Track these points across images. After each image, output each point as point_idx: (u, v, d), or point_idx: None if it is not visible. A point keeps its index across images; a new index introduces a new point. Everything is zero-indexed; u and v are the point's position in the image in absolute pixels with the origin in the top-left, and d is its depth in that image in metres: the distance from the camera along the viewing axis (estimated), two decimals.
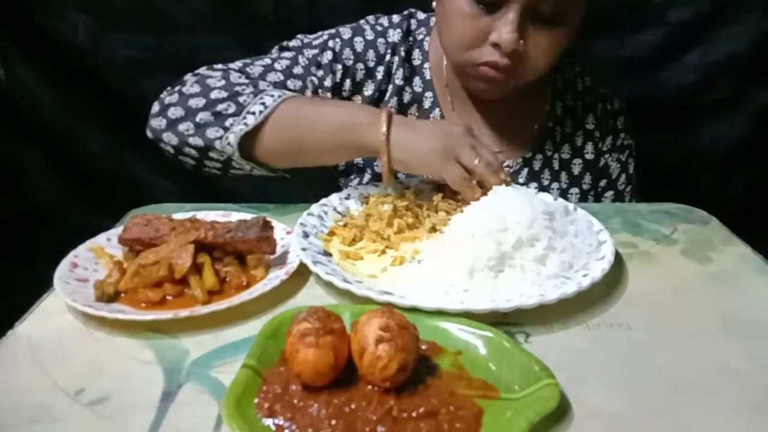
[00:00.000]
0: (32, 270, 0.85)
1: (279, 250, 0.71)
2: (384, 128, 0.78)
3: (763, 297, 0.69)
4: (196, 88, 0.87)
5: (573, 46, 0.94)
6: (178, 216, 0.74)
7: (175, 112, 0.86)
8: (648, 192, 1.09)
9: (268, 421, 0.48)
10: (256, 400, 0.49)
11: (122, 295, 0.65)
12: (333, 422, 0.47)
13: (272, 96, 0.84)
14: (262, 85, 0.89)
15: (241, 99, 0.85)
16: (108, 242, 0.74)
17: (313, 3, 1.29)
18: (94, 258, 0.71)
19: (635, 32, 1.31)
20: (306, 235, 0.75)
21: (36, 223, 1.39)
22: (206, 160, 0.87)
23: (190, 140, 0.85)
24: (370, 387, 0.50)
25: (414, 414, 0.48)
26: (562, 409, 0.50)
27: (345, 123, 0.82)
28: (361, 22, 1.02)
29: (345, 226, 0.80)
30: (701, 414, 0.52)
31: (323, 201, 0.84)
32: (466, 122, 0.84)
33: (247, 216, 0.73)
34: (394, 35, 1.00)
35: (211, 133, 0.84)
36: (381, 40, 1.00)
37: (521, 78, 0.90)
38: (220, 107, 0.84)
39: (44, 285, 0.66)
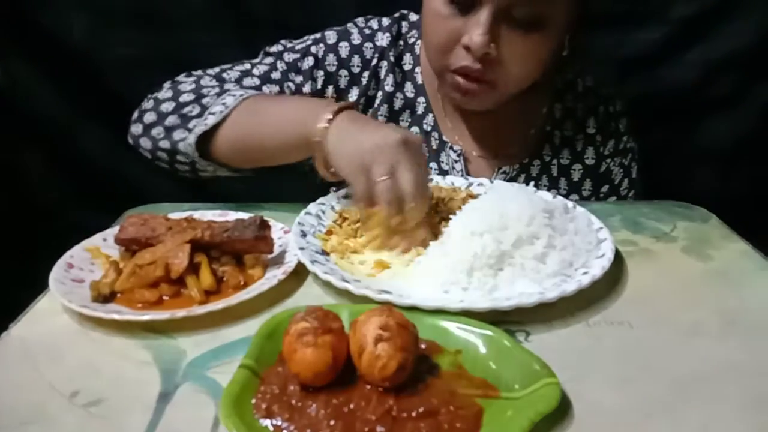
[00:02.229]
0: (28, 270, 0.84)
1: (276, 250, 0.71)
2: (324, 122, 0.75)
3: (763, 294, 0.69)
4: (169, 93, 0.89)
5: (575, 45, 0.93)
6: (174, 215, 0.73)
7: (149, 117, 0.88)
8: (649, 189, 1.08)
9: (266, 422, 0.47)
10: (253, 401, 0.49)
11: (118, 295, 0.64)
12: (332, 422, 0.47)
13: (234, 96, 0.85)
14: (228, 86, 0.90)
15: (204, 101, 0.86)
16: (104, 242, 0.73)
17: (309, 1, 1.28)
18: (90, 258, 0.70)
19: (638, 28, 1.30)
20: (304, 234, 0.74)
21: (32, 222, 1.39)
22: (176, 163, 0.88)
23: (161, 144, 0.87)
24: (369, 387, 0.50)
25: (414, 414, 0.48)
26: (563, 408, 0.50)
27: (293, 118, 0.80)
28: (349, 25, 0.99)
29: (341, 225, 0.79)
30: (703, 411, 0.51)
31: (321, 200, 0.84)
32: (416, 135, 0.78)
33: (244, 215, 0.73)
34: (383, 39, 0.97)
35: (177, 135, 0.85)
36: (368, 44, 0.97)
37: (501, 87, 0.86)
38: (185, 110, 0.86)
39: (40, 285, 0.66)
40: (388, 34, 0.98)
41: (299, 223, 0.76)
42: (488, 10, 0.79)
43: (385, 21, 1.00)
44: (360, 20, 1.00)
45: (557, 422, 0.49)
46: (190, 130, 0.84)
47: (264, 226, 0.70)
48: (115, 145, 1.36)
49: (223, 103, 0.84)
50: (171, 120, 0.86)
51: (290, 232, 0.74)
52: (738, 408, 0.52)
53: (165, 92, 0.90)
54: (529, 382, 0.51)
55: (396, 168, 0.70)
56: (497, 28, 0.80)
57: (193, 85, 0.90)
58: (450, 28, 0.82)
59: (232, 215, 0.77)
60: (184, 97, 0.88)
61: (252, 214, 0.71)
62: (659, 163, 1.31)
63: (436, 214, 0.81)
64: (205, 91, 0.88)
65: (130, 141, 0.91)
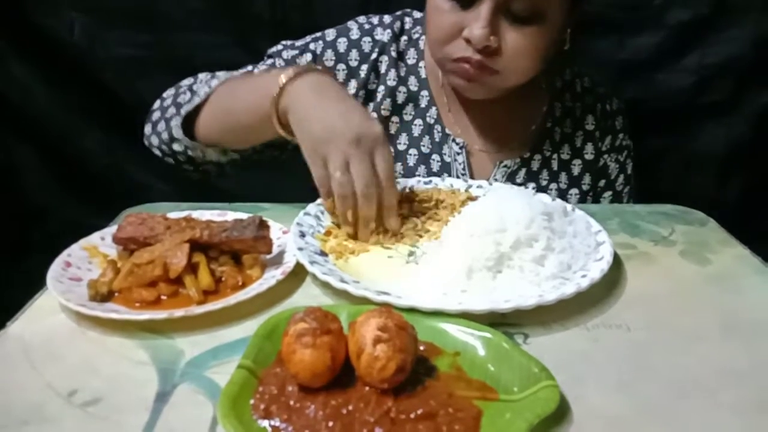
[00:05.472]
0: (25, 268, 0.84)
1: (275, 250, 0.71)
2: (280, 83, 0.76)
3: (761, 298, 0.69)
4: (172, 91, 0.95)
5: (569, 48, 0.94)
6: (173, 215, 0.73)
7: (156, 115, 0.94)
8: (646, 193, 1.08)
9: (264, 423, 0.47)
10: (252, 401, 0.49)
11: (116, 294, 0.64)
12: (330, 424, 0.47)
13: (219, 78, 0.89)
14: (218, 73, 0.94)
15: (194, 87, 0.91)
16: (102, 241, 0.73)
17: (308, 2, 1.29)
18: (87, 257, 0.70)
19: (634, 34, 1.31)
20: (302, 235, 0.74)
21: (30, 221, 1.39)
22: (178, 154, 0.92)
23: (163, 135, 0.91)
24: (367, 388, 0.50)
25: (412, 416, 0.48)
26: (561, 411, 0.50)
27: (260, 85, 0.81)
28: (350, 23, 1.01)
29: (340, 226, 0.79)
30: (701, 415, 0.51)
31: (320, 200, 0.83)
32: (376, 127, 0.74)
33: (243, 215, 0.73)
34: (383, 34, 1.00)
35: (173, 122, 0.89)
36: (366, 38, 0.99)
37: (503, 77, 0.89)
38: (180, 98, 0.91)
39: (37, 284, 0.65)
40: (389, 30, 1.00)
41: (298, 223, 0.76)
42: (488, 4, 0.82)
43: (387, 18, 1.02)
44: (361, 18, 1.02)
45: (556, 425, 0.49)
46: (181, 115, 0.88)
47: (263, 226, 0.69)
48: (114, 144, 1.37)
49: (209, 86, 0.88)
50: (170, 111, 0.91)
51: (289, 233, 0.74)
52: (736, 412, 0.52)
53: (168, 91, 0.96)
54: (528, 384, 0.51)
55: (350, 162, 0.72)
56: (497, 21, 0.84)
57: (191, 80, 0.95)
58: (451, 22, 0.85)
59: (231, 215, 0.77)
60: (181, 90, 0.93)
61: (251, 214, 0.71)
62: (656, 167, 1.32)
63: (429, 212, 0.81)
64: (198, 80, 0.93)
65: (145, 142, 0.95)
